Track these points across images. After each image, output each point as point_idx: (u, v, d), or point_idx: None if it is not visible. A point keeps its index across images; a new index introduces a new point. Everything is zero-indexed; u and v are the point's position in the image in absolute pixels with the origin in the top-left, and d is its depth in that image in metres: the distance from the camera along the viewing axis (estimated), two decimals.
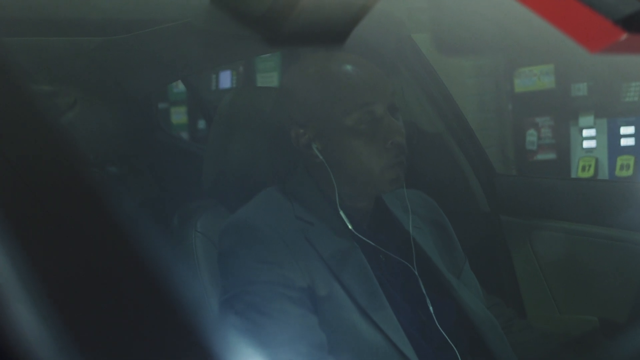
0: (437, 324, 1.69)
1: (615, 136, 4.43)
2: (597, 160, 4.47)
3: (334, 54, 1.78)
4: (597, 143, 4.49)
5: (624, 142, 4.40)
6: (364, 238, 1.68)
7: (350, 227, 1.67)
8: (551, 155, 4.72)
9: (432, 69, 2.49)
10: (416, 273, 1.72)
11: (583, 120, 4.54)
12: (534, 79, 4.69)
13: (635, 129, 4.37)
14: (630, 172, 4.35)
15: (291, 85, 1.77)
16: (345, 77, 1.72)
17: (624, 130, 4.40)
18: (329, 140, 1.69)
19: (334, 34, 1.73)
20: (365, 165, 1.68)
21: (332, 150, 1.69)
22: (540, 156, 4.75)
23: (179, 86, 5.43)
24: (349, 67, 1.73)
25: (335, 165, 1.69)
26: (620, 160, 4.39)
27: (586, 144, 4.53)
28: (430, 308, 1.69)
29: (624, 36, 0.96)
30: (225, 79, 5.88)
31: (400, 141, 1.67)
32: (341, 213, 1.67)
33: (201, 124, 5.70)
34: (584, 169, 4.49)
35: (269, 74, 5.60)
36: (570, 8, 1.00)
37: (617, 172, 4.40)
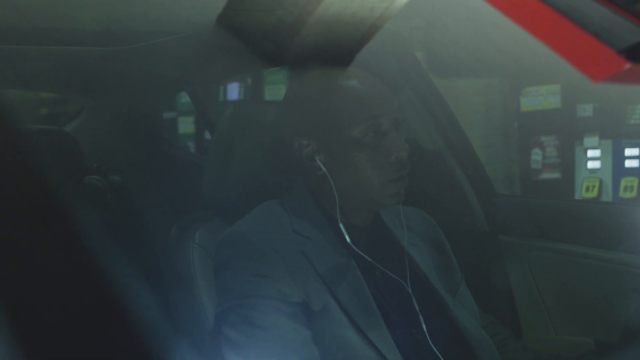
0: (431, 342, 1.69)
1: (619, 157, 4.44)
2: (601, 181, 4.47)
3: (340, 68, 1.79)
4: (602, 164, 4.49)
5: (628, 163, 4.41)
6: (361, 253, 1.69)
7: (348, 240, 1.67)
8: (556, 175, 4.72)
9: (435, 87, 2.50)
10: (410, 291, 1.72)
11: (588, 140, 4.54)
12: (540, 98, 4.70)
13: None
14: (634, 193, 4.35)
15: (297, 97, 1.78)
16: (352, 90, 1.73)
17: (628, 152, 4.40)
18: (333, 152, 1.70)
19: (341, 54, 1.74)
20: (368, 179, 1.69)
21: (335, 162, 1.70)
22: (545, 175, 4.75)
23: (187, 96, 5.45)
24: (356, 81, 1.74)
25: (337, 177, 1.70)
26: (625, 182, 4.39)
27: (591, 165, 4.54)
28: (424, 326, 1.70)
29: (627, 65, 0.96)
30: (233, 91, 5.89)
31: (403, 156, 1.68)
32: (341, 226, 1.67)
33: (208, 134, 5.71)
34: (588, 189, 4.49)
35: (277, 86, 5.62)
36: (575, 36, 1.01)
37: (621, 194, 4.40)
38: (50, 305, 0.77)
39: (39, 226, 0.81)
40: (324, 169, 1.69)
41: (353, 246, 1.67)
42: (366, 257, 1.69)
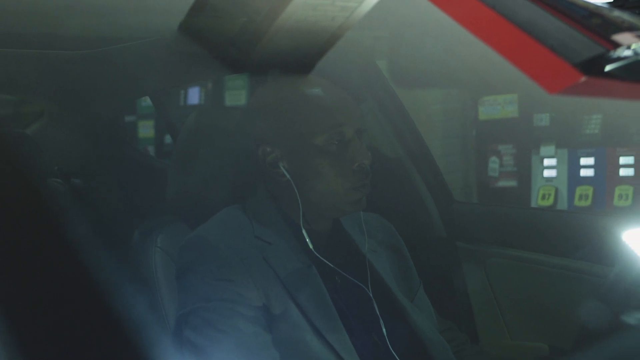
0: (390, 346, 1.71)
1: (575, 166, 4.49)
2: (557, 190, 4.52)
3: (304, 76, 1.81)
4: (558, 172, 4.55)
5: (583, 172, 4.46)
6: (322, 258, 1.70)
7: (311, 246, 1.69)
8: (512, 183, 4.76)
9: (396, 95, 2.53)
10: (371, 295, 1.75)
11: (544, 149, 4.59)
12: (498, 107, 4.74)
13: (595, 161, 4.43)
14: (588, 202, 4.40)
15: (261, 104, 1.79)
16: (317, 98, 1.75)
17: (583, 161, 4.46)
18: (297, 159, 1.72)
19: (302, 61, 1.76)
20: (331, 186, 1.71)
21: (298, 170, 1.72)
22: (502, 183, 4.79)
23: (147, 100, 5.41)
24: (320, 90, 1.76)
25: (300, 184, 1.72)
26: (579, 190, 4.45)
27: (547, 173, 4.59)
28: (384, 330, 1.72)
29: (583, 79, 0.99)
30: (194, 96, 5.87)
31: (366, 164, 1.71)
32: (304, 232, 1.69)
33: (168, 138, 5.67)
34: (544, 197, 4.54)
35: (237, 91, 5.60)
36: (533, 50, 1.03)
37: (576, 202, 4.46)
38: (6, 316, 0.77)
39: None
40: (287, 175, 1.71)
41: (314, 252, 1.69)
42: (327, 262, 1.71)
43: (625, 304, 1.55)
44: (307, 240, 1.69)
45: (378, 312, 1.73)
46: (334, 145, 1.70)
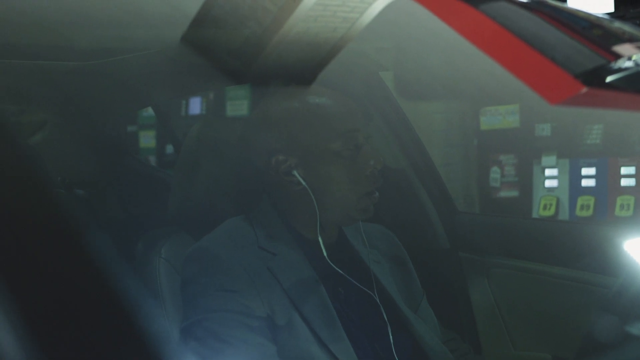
0: (394, 356, 1.71)
1: (576, 177, 4.50)
2: (558, 200, 4.53)
3: (304, 87, 1.82)
4: (559, 183, 4.56)
5: (584, 182, 4.47)
6: (335, 267, 1.71)
7: (325, 254, 1.69)
8: (514, 193, 4.77)
9: (398, 106, 2.53)
10: (379, 304, 1.75)
11: (546, 159, 4.60)
12: (500, 117, 4.75)
13: (596, 171, 4.44)
14: (590, 212, 4.41)
15: (272, 114, 1.79)
16: (326, 106, 1.76)
17: (585, 171, 4.47)
18: (313, 166, 1.72)
19: (304, 73, 1.77)
20: (345, 191, 1.72)
21: (314, 176, 1.72)
22: (503, 193, 4.80)
23: (149, 110, 5.42)
24: (328, 98, 1.77)
25: (315, 191, 1.72)
26: (581, 201, 4.46)
27: (548, 183, 4.59)
28: (391, 338, 1.72)
29: (584, 90, 0.99)
30: (196, 106, 5.88)
31: (379, 168, 1.72)
32: (320, 241, 1.70)
33: (169, 148, 5.68)
34: (545, 207, 4.54)
35: (239, 101, 5.62)
36: (534, 61, 1.04)
37: (578, 212, 4.46)
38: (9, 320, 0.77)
39: (3, 240, 0.81)
40: (303, 183, 1.71)
41: (329, 261, 1.70)
42: (340, 271, 1.71)
43: (629, 314, 1.55)
44: (323, 249, 1.70)
45: (382, 323, 1.74)
46: (348, 150, 1.71)
